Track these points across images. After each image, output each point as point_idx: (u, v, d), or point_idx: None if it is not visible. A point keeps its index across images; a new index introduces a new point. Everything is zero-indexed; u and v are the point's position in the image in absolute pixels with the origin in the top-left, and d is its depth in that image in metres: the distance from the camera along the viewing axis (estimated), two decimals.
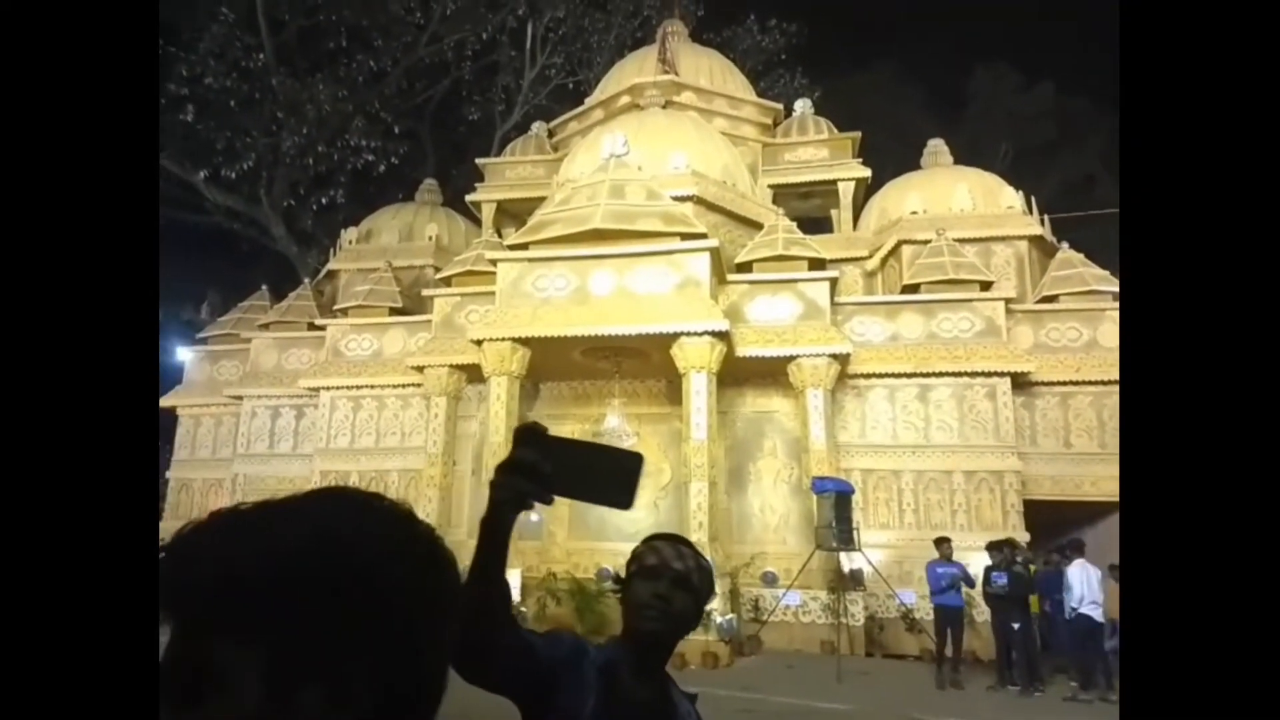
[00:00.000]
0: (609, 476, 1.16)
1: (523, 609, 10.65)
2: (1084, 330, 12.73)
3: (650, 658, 1.41)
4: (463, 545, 8.43)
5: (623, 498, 1.14)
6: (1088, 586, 8.67)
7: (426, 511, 12.74)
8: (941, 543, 9.44)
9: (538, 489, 1.12)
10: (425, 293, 14.35)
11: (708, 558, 1.49)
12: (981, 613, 10.00)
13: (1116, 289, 13.16)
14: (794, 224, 13.54)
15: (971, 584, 9.24)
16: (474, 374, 12.62)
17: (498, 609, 1.20)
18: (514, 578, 10.97)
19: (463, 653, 1.20)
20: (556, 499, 1.15)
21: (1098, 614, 8.55)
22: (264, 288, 17.36)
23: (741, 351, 11.81)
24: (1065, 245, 13.90)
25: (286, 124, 21.61)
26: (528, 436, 1.15)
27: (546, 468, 1.12)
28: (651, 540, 1.50)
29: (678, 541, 1.49)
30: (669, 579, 1.41)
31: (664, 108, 15.78)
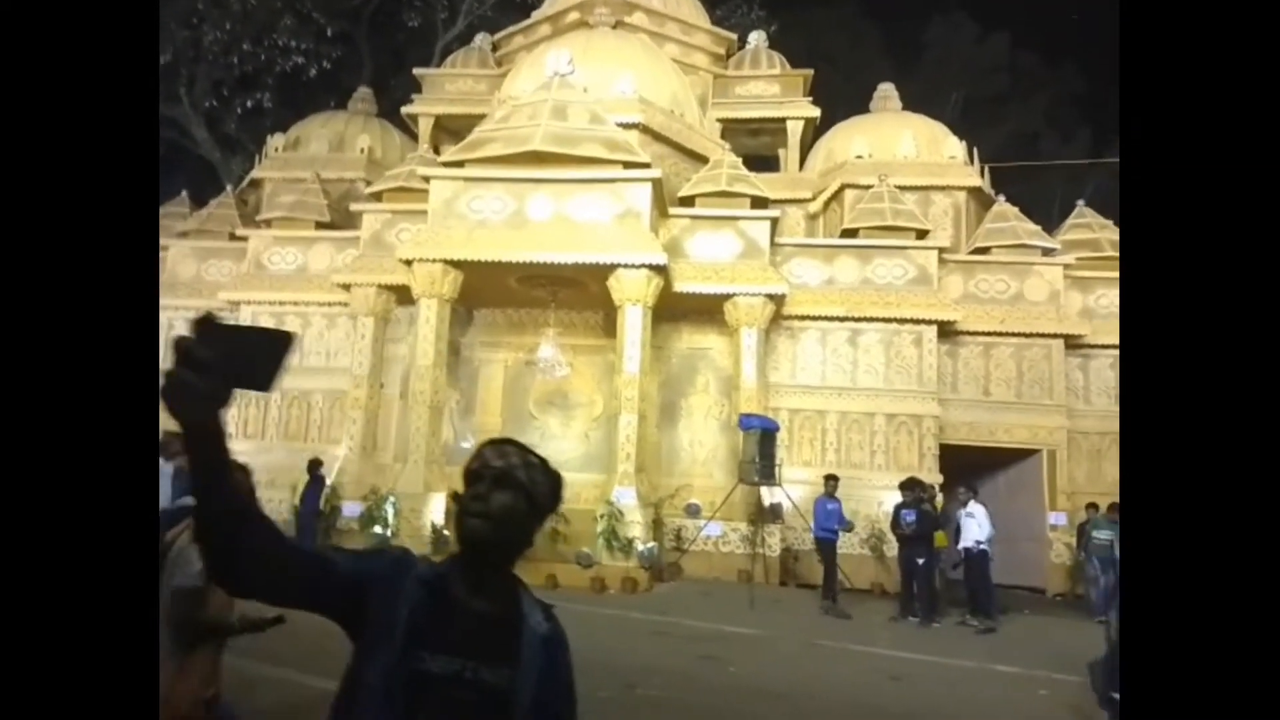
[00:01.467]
0: (262, 358, 1.07)
1: (445, 532, 10.65)
2: (1012, 283, 13.08)
3: (482, 565, 1.34)
4: (388, 469, 8.23)
5: (262, 380, 1.05)
6: (981, 526, 9.17)
7: (350, 434, 12.52)
8: (829, 479, 10.04)
9: (206, 383, 1.05)
10: (354, 207, 13.74)
11: (539, 456, 1.41)
12: (891, 547, 10.49)
13: (1046, 244, 13.52)
14: (740, 160, 13.35)
15: (846, 523, 9.78)
16: (404, 295, 12.24)
17: (224, 520, 1.14)
18: (439, 501, 10.94)
19: (210, 566, 1.17)
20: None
21: (974, 547, 9.16)
22: (183, 193, 16.38)
23: (679, 287, 11.74)
24: (1002, 198, 14.13)
25: (208, 16, 19.99)
26: (197, 328, 1.07)
27: (206, 354, 1.05)
28: (480, 446, 1.42)
29: (505, 444, 1.41)
30: (489, 479, 1.34)
31: (614, 28, 15.17)
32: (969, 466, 12.34)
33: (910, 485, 9.64)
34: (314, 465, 11.35)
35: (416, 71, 17.96)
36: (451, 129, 16.46)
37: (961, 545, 9.37)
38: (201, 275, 14.46)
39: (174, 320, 14.39)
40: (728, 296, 11.95)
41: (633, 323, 11.06)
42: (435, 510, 10.90)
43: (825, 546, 9.68)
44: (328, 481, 11.58)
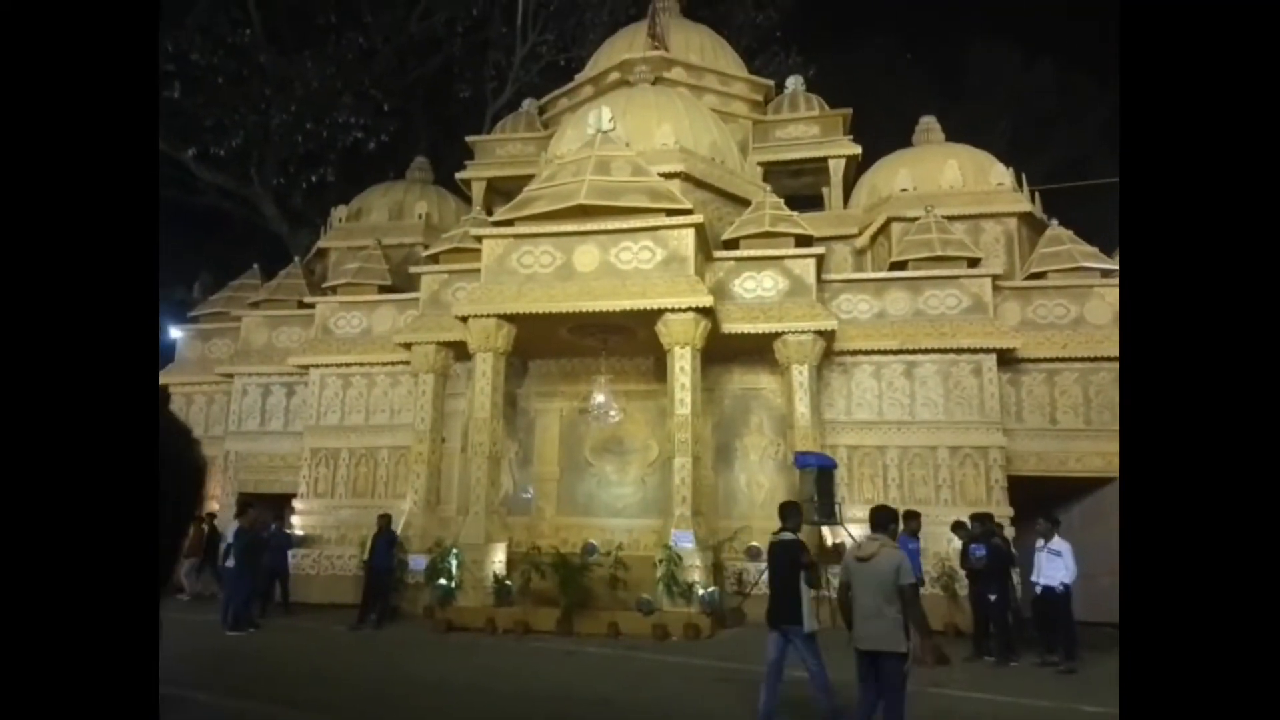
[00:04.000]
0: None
1: (508, 582, 10.76)
2: (1071, 307, 12.72)
3: None
4: (451, 521, 8.38)
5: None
6: (1067, 565, 8.67)
7: (415, 488, 12.84)
8: (910, 516, 9.39)
9: None
10: (413, 270, 14.33)
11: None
12: (963, 585, 10.11)
13: (1105, 266, 13.15)
14: (781, 200, 13.49)
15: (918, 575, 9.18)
16: (461, 351, 12.64)
17: None
18: (500, 551, 11.09)
19: None
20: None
21: (1058, 586, 8.62)
22: (255, 266, 17.35)
23: (727, 328, 11.82)
24: (1054, 222, 13.85)
25: (275, 101, 21.46)
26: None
27: None
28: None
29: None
30: None
31: (653, 84, 15.66)
32: (1041, 498, 11.86)
33: (978, 519, 9.31)
34: (383, 520, 11.69)
35: (468, 139, 18.82)
36: (503, 190, 17.12)
37: (1041, 582, 8.75)
38: (273, 342, 15.23)
39: (247, 387, 15.20)
40: (776, 335, 11.96)
41: (682, 365, 11.16)
42: (497, 560, 11.04)
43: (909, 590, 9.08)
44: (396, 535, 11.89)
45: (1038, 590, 8.83)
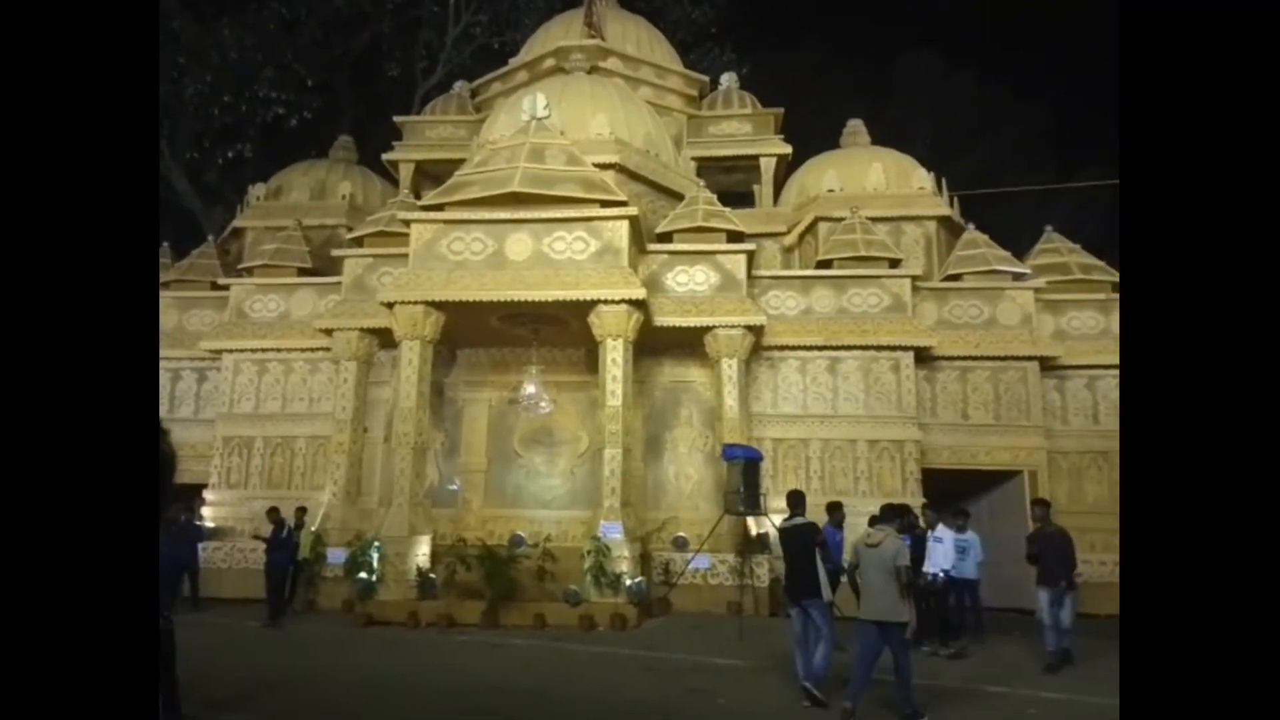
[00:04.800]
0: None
1: (432, 575, 10.58)
2: (985, 308, 13.35)
3: None
4: (373, 513, 8.20)
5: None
6: (946, 553, 8.90)
7: (334, 479, 12.46)
8: (834, 508, 9.58)
9: None
10: (336, 253, 13.86)
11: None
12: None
13: (1016, 269, 13.84)
14: (714, 196, 13.64)
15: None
16: (386, 338, 12.31)
17: None
18: (424, 544, 10.88)
19: None
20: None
21: (938, 574, 8.82)
22: (165, 244, 16.42)
23: (659, 321, 11.91)
24: (971, 226, 14.49)
25: (189, 70, 20.31)
26: None
27: None
28: None
29: None
30: None
31: (589, 73, 15.56)
32: (952, 490, 12.44)
33: (896, 510, 9.63)
34: (299, 513, 11.32)
35: (397, 119, 18.27)
36: (432, 174, 16.72)
37: (928, 570, 8.85)
38: (183, 325, 14.48)
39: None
40: (707, 329, 12.12)
41: (614, 357, 11.17)
42: (421, 553, 10.83)
43: (829, 579, 9.33)
44: (307, 527, 11.54)
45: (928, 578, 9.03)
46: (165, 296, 14.67)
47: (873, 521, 6.20)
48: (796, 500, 6.89)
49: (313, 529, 11.68)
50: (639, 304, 11.16)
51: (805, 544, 6.54)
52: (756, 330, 12.24)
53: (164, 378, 14.36)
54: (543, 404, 12.04)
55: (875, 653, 5.82)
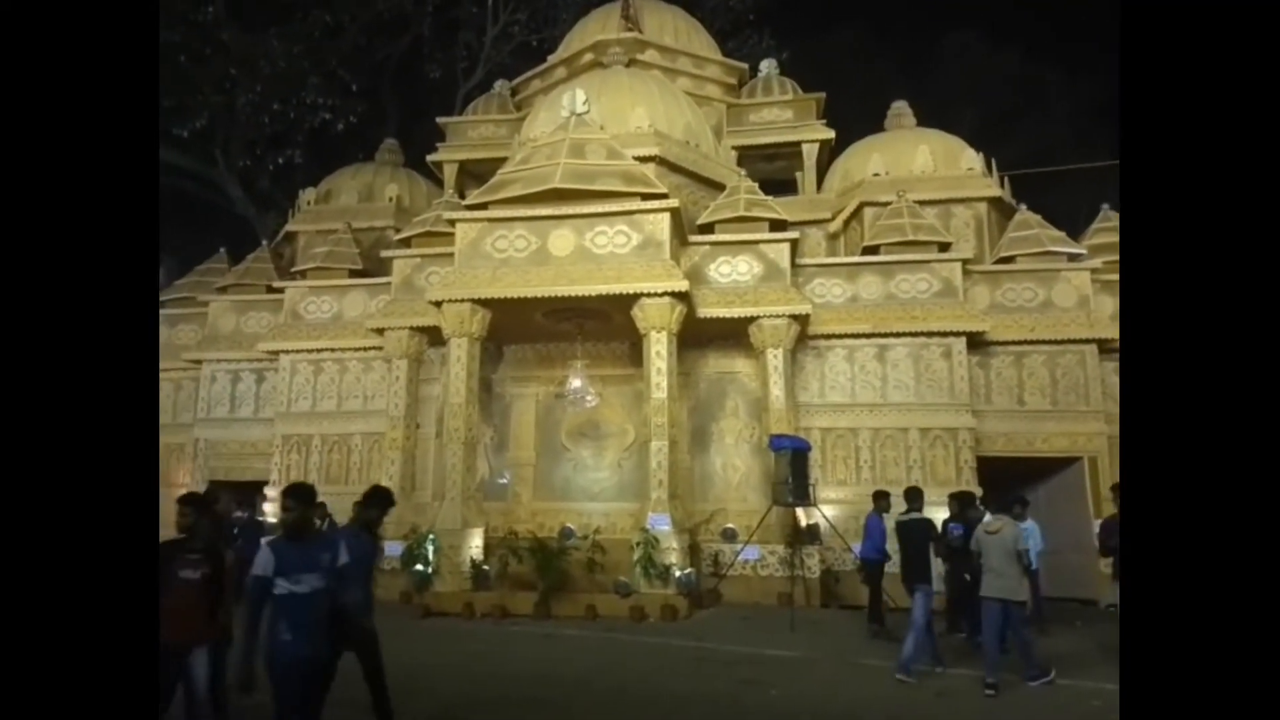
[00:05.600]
0: None
1: (485, 567, 10.77)
2: (1039, 290, 12.96)
3: None
4: (426, 507, 8.40)
5: None
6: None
7: (389, 474, 12.76)
8: (880, 496, 9.50)
9: None
10: (385, 254, 14.14)
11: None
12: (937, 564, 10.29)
13: (1072, 250, 13.41)
14: (756, 185, 13.53)
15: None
16: (435, 336, 12.54)
17: None
18: (476, 536, 11.08)
19: None
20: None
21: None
22: (221, 250, 17.00)
23: (703, 312, 11.87)
24: (1023, 207, 14.07)
25: (240, 81, 20.94)
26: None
27: None
28: None
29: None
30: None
31: (627, 66, 15.55)
32: (1009, 478, 12.12)
33: (958, 498, 9.46)
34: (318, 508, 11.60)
35: (440, 120, 18.55)
36: (475, 173, 16.93)
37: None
38: (241, 328, 14.97)
39: (216, 373, 14.94)
40: (752, 319, 12.04)
41: (658, 350, 11.18)
42: (474, 546, 11.03)
43: (873, 568, 9.31)
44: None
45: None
46: (223, 301, 15.20)
47: (1001, 508, 6.99)
48: (914, 496, 7.77)
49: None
50: (682, 296, 11.15)
51: (921, 536, 7.42)
52: (802, 319, 12.11)
53: (224, 379, 14.89)
54: (588, 398, 12.13)
55: (1002, 629, 6.48)
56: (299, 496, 4.08)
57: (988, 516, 7.19)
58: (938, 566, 8.08)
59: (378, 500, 5.19)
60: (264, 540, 4.66)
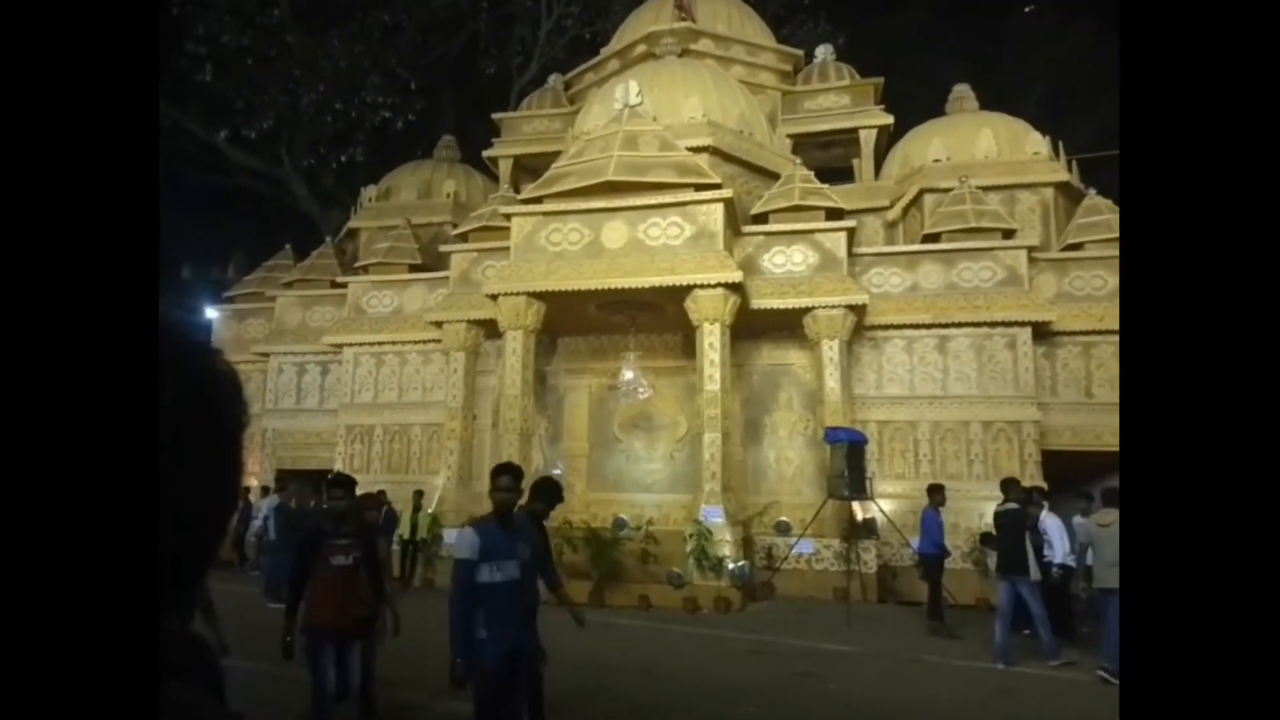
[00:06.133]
0: None
1: None
2: (1109, 278, 12.44)
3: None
4: (483, 496, 8.43)
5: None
6: (1051, 543, 8.24)
7: (448, 464, 13.05)
8: (934, 490, 9.25)
9: None
10: (443, 249, 14.44)
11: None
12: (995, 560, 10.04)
13: None
14: (811, 174, 13.31)
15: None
16: (491, 329, 12.75)
17: None
18: None
19: None
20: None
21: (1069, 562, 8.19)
22: (287, 247, 17.60)
23: (756, 303, 11.77)
24: (1092, 191, 13.50)
25: (304, 81, 21.60)
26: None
27: None
28: None
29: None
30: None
31: (680, 56, 15.47)
32: (1076, 473, 11.71)
33: (1010, 485, 9.17)
34: (416, 497, 11.91)
35: (495, 116, 18.80)
36: (530, 168, 17.12)
37: (1049, 560, 8.17)
38: (306, 322, 15.50)
39: (282, 365, 15.51)
40: (806, 310, 11.88)
41: (711, 342, 11.14)
42: None
43: (932, 563, 9.17)
44: (425, 509, 12.13)
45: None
46: (289, 296, 15.75)
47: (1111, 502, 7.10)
48: (1011, 486, 7.77)
49: (429, 511, 12.30)
50: (735, 287, 11.07)
51: (1017, 527, 7.41)
52: (858, 310, 11.89)
53: (290, 371, 15.45)
54: (641, 389, 12.17)
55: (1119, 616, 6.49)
56: (515, 474, 3.76)
57: (1103, 510, 7.18)
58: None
59: (545, 493, 4.78)
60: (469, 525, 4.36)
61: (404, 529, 11.58)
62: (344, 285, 15.10)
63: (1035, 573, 7.20)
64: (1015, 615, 8.79)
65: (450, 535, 12.07)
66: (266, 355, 15.53)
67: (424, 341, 14.18)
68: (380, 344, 14.48)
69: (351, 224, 17.38)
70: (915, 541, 10.94)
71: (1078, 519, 8.69)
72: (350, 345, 14.55)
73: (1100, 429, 12.02)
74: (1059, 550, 8.17)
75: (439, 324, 13.44)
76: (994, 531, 7.88)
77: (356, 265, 15.89)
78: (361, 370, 14.56)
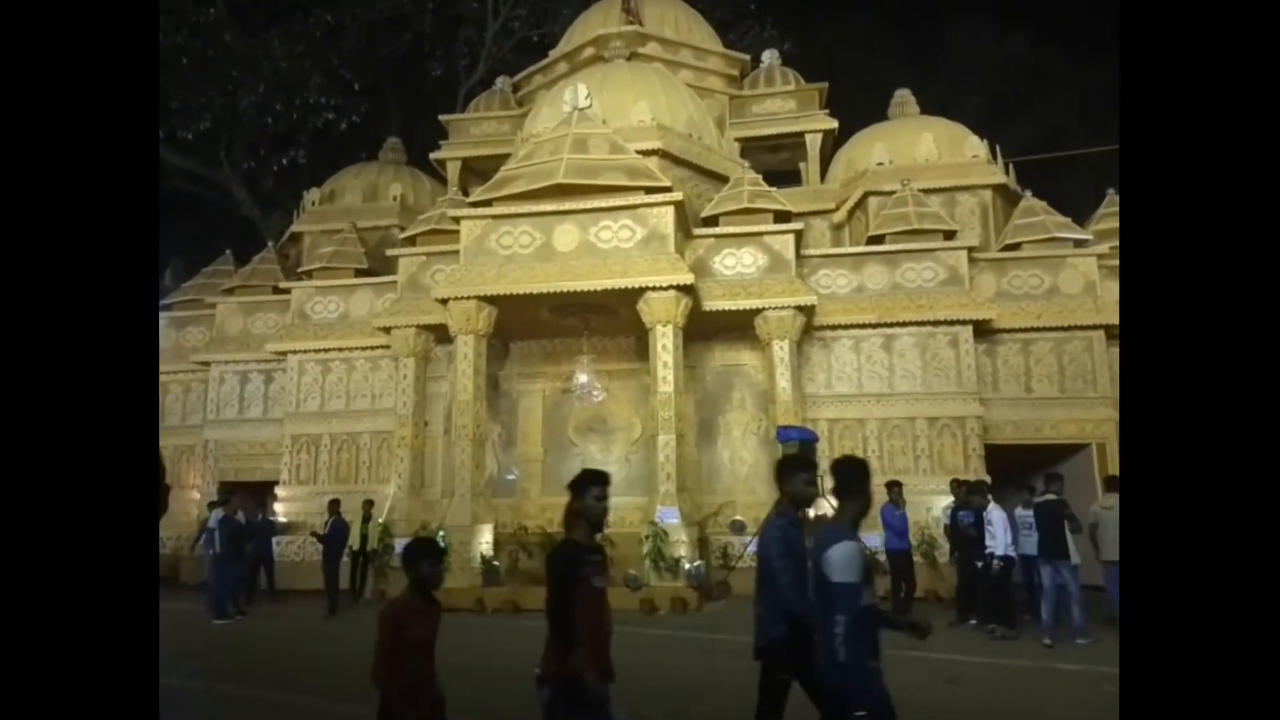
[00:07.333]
0: None
1: (495, 562, 10.82)
2: (1045, 277, 12.91)
3: None
4: (436, 504, 8.43)
5: None
6: (994, 535, 8.50)
7: (399, 472, 12.82)
8: (893, 486, 9.49)
9: None
10: (390, 252, 14.18)
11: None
12: (943, 553, 10.34)
13: (1078, 236, 13.34)
14: (760, 177, 13.50)
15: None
16: (442, 334, 12.58)
17: None
18: (486, 533, 11.13)
19: None
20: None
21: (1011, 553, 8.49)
22: (227, 252, 17.08)
23: (708, 305, 11.87)
24: (1029, 194, 14.00)
25: (243, 82, 20.99)
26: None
27: None
28: None
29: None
30: None
31: (628, 59, 15.53)
32: (1016, 466, 12.11)
33: (963, 485, 9.44)
34: (366, 506, 11.67)
35: (442, 118, 18.55)
36: (479, 171, 16.95)
37: (989, 551, 8.50)
38: (249, 329, 15.05)
39: (224, 375, 15.03)
40: (757, 311, 12.04)
41: (664, 344, 11.20)
42: (484, 542, 11.09)
43: (899, 558, 9.30)
44: (375, 519, 11.89)
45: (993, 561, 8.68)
46: (230, 302, 15.27)
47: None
48: (1052, 480, 8.46)
49: (380, 521, 12.06)
50: (687, 289, 11.15)
51: (1056, 516, 8.07)
52: (807, 310, 12.10)
53: (233, 381, 14.97)
54: (595, 393, 12.16)
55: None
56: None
57: (1106, 495, 7.97)
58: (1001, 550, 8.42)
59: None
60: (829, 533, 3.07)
61: (354, 539, 11.32)
62: (287, 291, 14.71)
63: (1076, 557, 7.81)
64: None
65: (401, 544, 11.85)
66: (207, 364, 15.03)
67: (372, 348, 13.90)
68: (326, 351, 14.14)
69: (294, 228, 16.93)
70: (870, 538, 11.15)
71: (1019, 510, 8.99)
72: (295, 352, 14.18)
73: (1040, 423, 12.47)
74: (1001, 542, 8.41)
75: (387, 329, 13.20)
76: (1036, 519, 8.31)
77: (300, 270, 15.49)
78: (307, 378, 14.20)
